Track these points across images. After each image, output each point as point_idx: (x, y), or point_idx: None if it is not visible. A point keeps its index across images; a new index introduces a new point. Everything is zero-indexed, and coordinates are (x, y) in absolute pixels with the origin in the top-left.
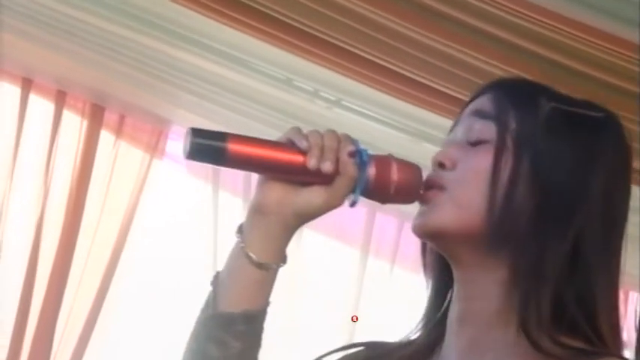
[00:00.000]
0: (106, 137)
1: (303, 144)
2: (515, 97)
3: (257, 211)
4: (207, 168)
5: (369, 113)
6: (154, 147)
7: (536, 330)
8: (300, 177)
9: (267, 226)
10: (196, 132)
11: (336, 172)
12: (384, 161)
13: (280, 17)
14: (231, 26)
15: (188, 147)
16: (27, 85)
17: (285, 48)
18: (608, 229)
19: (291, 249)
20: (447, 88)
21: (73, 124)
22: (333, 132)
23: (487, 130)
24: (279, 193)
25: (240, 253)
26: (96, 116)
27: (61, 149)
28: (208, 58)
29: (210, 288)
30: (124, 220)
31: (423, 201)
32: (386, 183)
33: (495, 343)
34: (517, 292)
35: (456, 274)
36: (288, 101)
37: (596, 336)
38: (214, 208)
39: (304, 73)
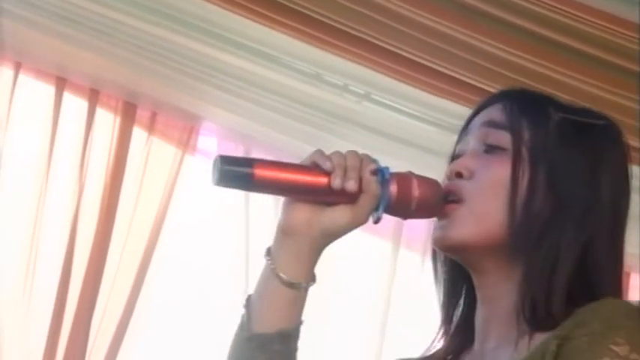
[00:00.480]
0: (138, 134)
1: (327, 165)
2: (525, 107)
3: (285, 232)
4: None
5: (398, 107)
6: (186, 143)
7: (545, 321)
8: (325, 197)
9: (297, 247)
10: (224, 159)
11: (359, 191)
12: (405, 178)
13: (308, 12)
14: (260, 22)
15: (217, 174)
16: (61, 83)
17: (313, 43)
18: (616, 232)
19: None
20: (475, 80)
21: (106, 121)
22: (355, 152)
23: (502, 139)
24: (306, 213)
25: (271, 274)
26: (128, 113)
27: (94, 146)
28: (238, 55)
29: (243, 310)
30: (158, 215)
31: (443, 215)
32: (407, 199)
33: (517, 338)
34: (530, 289)
35: (477, 280)
36: (317, 96)
37: None
38: (246, 202)
39: (333, 68)
